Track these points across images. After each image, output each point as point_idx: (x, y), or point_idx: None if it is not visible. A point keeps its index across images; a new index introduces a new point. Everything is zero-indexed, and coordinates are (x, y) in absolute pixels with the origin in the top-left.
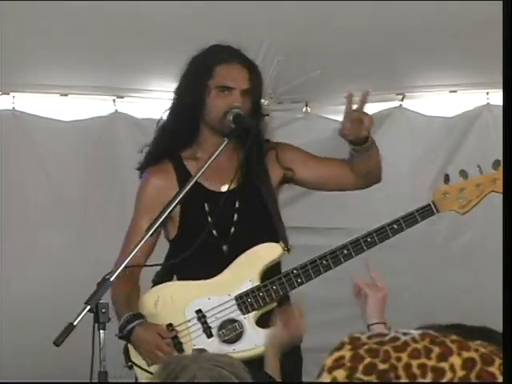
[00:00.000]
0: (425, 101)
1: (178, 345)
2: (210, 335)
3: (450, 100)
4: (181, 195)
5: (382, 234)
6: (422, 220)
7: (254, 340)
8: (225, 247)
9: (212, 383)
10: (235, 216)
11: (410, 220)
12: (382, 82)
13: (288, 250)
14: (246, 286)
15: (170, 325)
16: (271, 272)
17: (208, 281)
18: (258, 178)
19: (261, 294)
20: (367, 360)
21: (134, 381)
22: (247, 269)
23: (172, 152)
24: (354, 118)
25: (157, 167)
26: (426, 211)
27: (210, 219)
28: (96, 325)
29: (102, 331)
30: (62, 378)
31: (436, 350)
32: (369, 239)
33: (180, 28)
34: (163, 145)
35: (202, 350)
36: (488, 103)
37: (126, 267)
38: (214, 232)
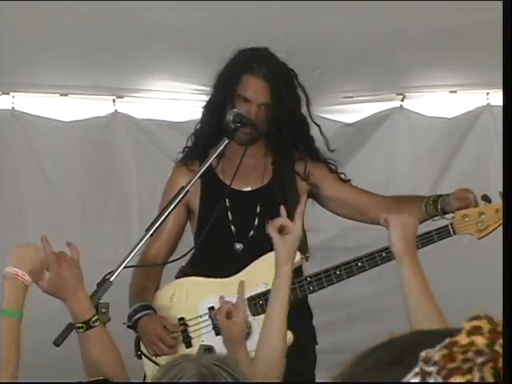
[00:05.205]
0: (425, 101)
1: (186, 339)
2: (218, 332)
3: (451, 100)
4: (183, 193)
5: None
6: (439, 240)
7: None
8: (239, 246)
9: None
10: (256, 220)
11: (426, 239)
12: (382, 82)
13: (306, 258)
14: (260, 289)
15: (182, 319)
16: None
17: (225, 279)
18: (285, 183)
19: None
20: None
21: (135, 380)
22: (263, 272)
23: (201, 151)
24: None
25: (184, 164)
26: (443, 232)
27: (230, 215)
28: None
29: None
30: (62, 378)
31: None
32: (384, 254)
33: (179, 28)
34: (194, 143)
35: (209, 347)
36: (488, 103)
37: (126, 267)
38: (233, 228)
